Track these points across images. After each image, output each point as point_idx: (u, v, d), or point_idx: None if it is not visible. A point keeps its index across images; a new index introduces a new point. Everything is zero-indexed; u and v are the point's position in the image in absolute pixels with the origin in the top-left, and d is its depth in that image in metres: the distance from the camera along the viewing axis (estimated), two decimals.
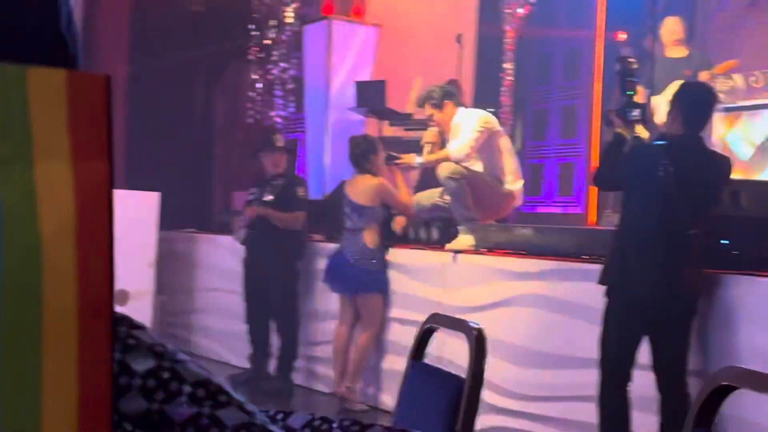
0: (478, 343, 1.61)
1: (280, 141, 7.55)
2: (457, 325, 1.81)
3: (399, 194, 6.48)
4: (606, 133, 7.86)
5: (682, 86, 4.62)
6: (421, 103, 6.49)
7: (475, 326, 1.69)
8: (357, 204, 6.45)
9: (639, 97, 4.91)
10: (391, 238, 6.65)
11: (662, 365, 4.26)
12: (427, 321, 1.89)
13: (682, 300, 4.25)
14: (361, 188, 6.47)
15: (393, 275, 6.50)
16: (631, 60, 4.87)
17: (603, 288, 4.44)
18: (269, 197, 7.26)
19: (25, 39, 0.85)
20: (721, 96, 7.88)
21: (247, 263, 7.42)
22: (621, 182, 4.63)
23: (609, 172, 4.63)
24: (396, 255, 6.54)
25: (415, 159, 6.48)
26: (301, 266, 7.30)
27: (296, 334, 7.26)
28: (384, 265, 6.49)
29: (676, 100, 4.46)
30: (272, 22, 9.87)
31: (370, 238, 6.41)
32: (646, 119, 4.80)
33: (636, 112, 4.67)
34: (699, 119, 4.41)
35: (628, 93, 4.74)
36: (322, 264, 6.90)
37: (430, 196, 6.53)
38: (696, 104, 4.41)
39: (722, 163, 4.44)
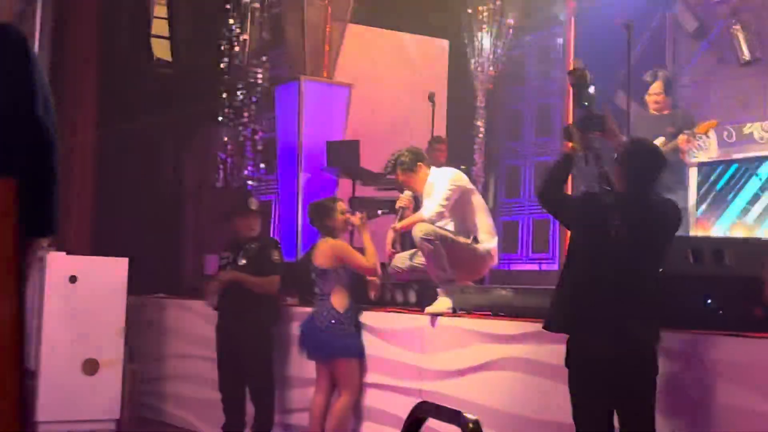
0: None
1: (253, 204, 7.43)
2: (449, 416, 1.66)
3: (355, 254, 6.35)
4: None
5: (629, 145, 4.55)
6: (391, 169, 6.39)
7: (471, 418, 1.54)
8: (319, 268, 6.34)
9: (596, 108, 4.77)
10: (364, 301, 6.51)
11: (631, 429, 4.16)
12: (415, 410, 1.74)
13: (644, 359, 4.15)
14: (321, 252, 6.37)
15: (370, 339, 6.34)
16: (584, 70, 4.72)
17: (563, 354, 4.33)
18: (243, 261, 7.11)
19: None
20: (696, 152, 7.90)
21: (220, 329, 7.24)
22: (562, 212, 4.56)
23: (554, 189, 4.53)
24: (372, 318, 6.39)
25: (392, 225, 6.38)
26: (275, 331, 7.13)
27: (272, 402, 7.06)
28: (357, 328, 6.34)
29: (624, 159, 4.41)
30: (242, 84, 9.80)
31: (338, 301, 6.27)
32: (605, 129, 4.68)
33: (594, 123, 4.58)
34: (645, 178, 4.33)
35: (584, 104, 4.64)
36: (297, 329, 6.73)
37: (406, 258, 6.41)
38: (642, 164, 4.34)
39: (669, 212, 4.36)
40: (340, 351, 6.27)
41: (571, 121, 10.43)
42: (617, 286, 4.17)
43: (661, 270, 4.33)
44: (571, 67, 4.75)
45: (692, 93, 9.34)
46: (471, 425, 1.50)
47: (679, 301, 4.51)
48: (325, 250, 6.34)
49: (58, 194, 1.26)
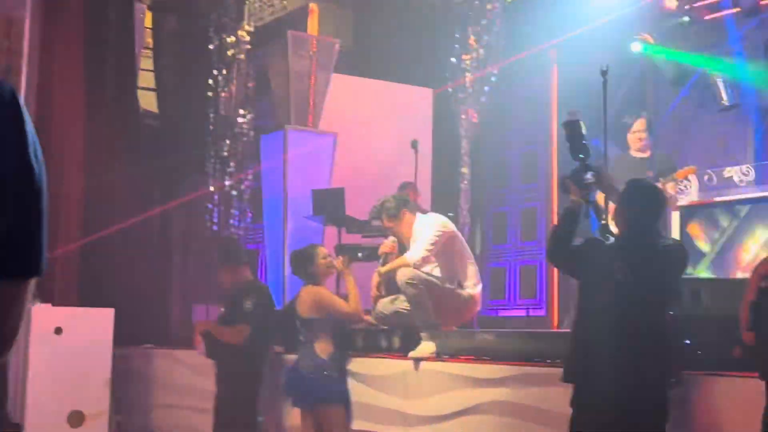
0: None
1: (239, 253, 7.42)
2: None
3: (335, 301, 6.33)
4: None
5: (627, 187, 4.48)
6: (377, 216, 6.44)
7: None
8: (302, 317, 6.32)
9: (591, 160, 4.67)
10: (349, 347, 6.50)
11: None
12: None
13: (652, 405, 4.10)
14: (303, 300, 6.35)
15: (354, 385, 6.33)
16: (579, 122, 4.60)
17: (568, 393, 4.31)
18: (221, 310, 7.11)
19: None
20: (677, 195, 7.97)
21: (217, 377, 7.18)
22: (574, 267, 4.50)
23: (563, 248, 4.39)
24: (357, 364, 6.39)
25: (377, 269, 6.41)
26: (260, 380, 7.09)
27: None
28: (343, 375, 6.31)
29: (623, 202, 4.40)
30: (228, 134, 9.88)
31: (322, 348, 6.23)
32: (602, 181, 4.63)
33: (590, 175, 4.48)
34: (645, 220, 4.29)
35: (579, 156, 4.54)
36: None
37: (389, 303, 6.42)
38: (642, 205, 4.31)
39: (675, 254, 4.30)
40: (324, 398, 6.23)
41: (555, 166, 10.57)
42: (624, 331, 4.08)
43: (671, 312, 4.25)
44: (567, 119, 4.64)
45: (673, 138, 9.44)
46: None
47: None
48: (307, 299, 6.33)
49: (46, 237, 1.39)
